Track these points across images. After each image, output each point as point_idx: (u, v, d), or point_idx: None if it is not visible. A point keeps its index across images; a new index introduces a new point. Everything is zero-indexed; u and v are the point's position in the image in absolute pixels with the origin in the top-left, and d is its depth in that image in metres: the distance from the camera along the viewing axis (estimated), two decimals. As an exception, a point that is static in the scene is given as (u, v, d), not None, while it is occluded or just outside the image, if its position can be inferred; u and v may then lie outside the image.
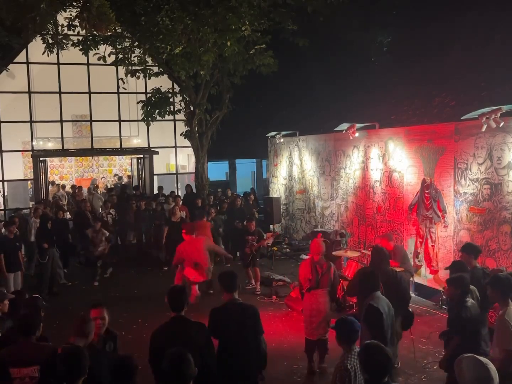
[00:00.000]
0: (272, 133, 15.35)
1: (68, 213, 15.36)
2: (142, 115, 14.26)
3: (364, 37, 17.49)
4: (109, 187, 18.27)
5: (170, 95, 14.65)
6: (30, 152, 16.80)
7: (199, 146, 15.39)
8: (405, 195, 9.99)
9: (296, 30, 13.89)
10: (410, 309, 6.61)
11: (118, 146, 17.74)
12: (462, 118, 8.53)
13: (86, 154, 18.63)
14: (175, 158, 18.50)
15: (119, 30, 12.62)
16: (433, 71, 14.48)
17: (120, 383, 3.67)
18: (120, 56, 13.74)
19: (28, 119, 16.47)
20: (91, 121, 17.23)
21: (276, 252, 13.22)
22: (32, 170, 16.41)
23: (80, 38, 13.45)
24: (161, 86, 14.51)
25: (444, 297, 8.90)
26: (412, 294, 9.59)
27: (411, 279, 8.89)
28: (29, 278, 11.04)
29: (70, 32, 12.44)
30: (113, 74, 15.57)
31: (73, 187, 17.70)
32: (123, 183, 19.25)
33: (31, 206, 15.38)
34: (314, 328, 6.75)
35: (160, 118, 14.51)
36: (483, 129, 7.87)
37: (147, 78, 14.63)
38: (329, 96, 17.94)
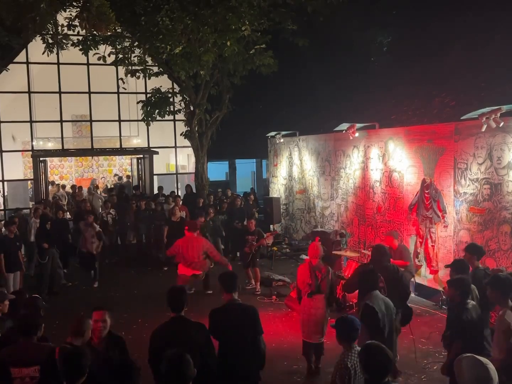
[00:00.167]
0: (272, 133, 15.35)
1: (68, 213, 15.37)
2: (142, 115, 14.25)
3: (364, 37, 17.48)
4: (109, 187, 18.27)
5: (170, 95, 14.65)
6: (30, 152, 16.80)
7: (199, 146, 15.39)
8: (405, 195, 9.99)
9: (296, 30, 13.88)
10: (409, 305, 6.63)
11: (118, 146, 17.74)
12: (462, 118, 8.53)
13: (86, 154, 18.63)
14: (175, 158, 18.50)
15: (119, 30, 12.61)
16: (433, 71, 14.47)
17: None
18: (120, 56, 13.73)
19: (28, 119, 16.47)
20: (91, 121, 17.23)
21: (276, 252, 13.21)
22: (32, 170, 16.42)
23: (80, 38, 13.44)
24: (161, 86, 14.51)
25: (444, 297, 8.90)
26: (412, 294, 9.60)
27: (412, 279, 8.90)
28: (29, 278, 11.04)
29: (70, 32, 12.44)
30: (113, 74, 15.57)
31: (73, 187, 17.70)
32: (122, 183, 19.23)
33: (31, 206, 15.38)
34: (312, 332, 6.78)
35: (160, 118, 14.50)
36: (483, 129, 7.87)
37: (147, 78, 14.62)
38: (329, 96, 17.94)
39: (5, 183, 16.34)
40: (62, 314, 8.70)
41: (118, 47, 13.73)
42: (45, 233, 10.77)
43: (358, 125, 11.16)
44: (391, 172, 10.36)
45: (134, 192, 16.29)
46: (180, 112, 15.16)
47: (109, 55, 13.34)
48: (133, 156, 19.11)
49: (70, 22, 11.82)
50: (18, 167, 17.95)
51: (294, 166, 14.61)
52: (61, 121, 16.87)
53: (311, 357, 6.86)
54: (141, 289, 10.98)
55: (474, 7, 14.36)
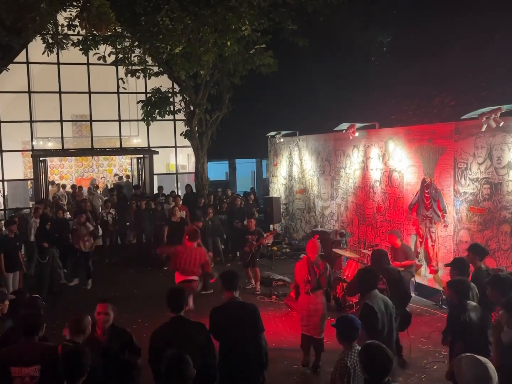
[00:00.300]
0: (272, 133, 15.36)
1: (68, 212, 15.38)
2: (142, 115, 14.26)
3: (364, 37, 17.48)
4: (109, 187, 18.28)
5: (170, 95, 14.65)
6: (30, 152, 16.80)
7: (199, 146, 15.40)
8: (405, 195, 9.99)
9: (296, 30, 13.89)
10: (408, 310, 6.64)
11: (118, 146, 17.74)
12: (462, 118, 8.53)
13: (86, 154, 18.64)
14: (175, 158, 18.50)
15: (119, 30, 12.62)
16: (433, 71, 14.47)
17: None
18: (120, 56, 13.73)
19: (28, 119, 16.47)
20: (91, 121, 17.23)
21: (276, 252, 13.22)
22: (32, 170, 16.42)
23: (80, 38, 13.44)
24: (161, 86, 14.51)
25: (444, 296, 8.91)
26: (412, 294, 9.60)
27: (412, 279, 8.91)
28: (29, 278, 11.04)
29: (70, 32, 12.43)
30: (113, 74, 15.57)
31: (73, 187, 17.71)
32: (121, 183, 19.23)
33: (31, 206, 15.38)
34: (311, 327, 6.85)
35: (160, 118, 14.51)
36: (483, 129, 7.87)
37: (147, 78, 14.63)
38: (329, 96, 17.94)
39: (5, 183, 16.35)
40: (62, 314, 8.69)
41: (118, 47, 13.73)
42: (45, 232, 10.77)
43: (358, 125, 11.16)
44: (391, 171, 10.36)
45: (134, 192, 16.29)
46: (180, 112, 15.17)
47: (109, 55, 13.34)
48: (133, 156, 19.11)
49: (70, 22, 11.82)
50: (18, 167, 17.95)
51: (294, 166, 14.61)
52: (61, 121, 16.87)
53: (308, 350, 6.96)
54: (141, 289, 10.98)
55: (474, 7, 14.35)
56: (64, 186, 18.04)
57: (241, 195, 15.38)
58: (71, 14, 11.22)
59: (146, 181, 17.64)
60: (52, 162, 19.58)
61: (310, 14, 13.80)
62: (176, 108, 14.92)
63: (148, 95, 14.98)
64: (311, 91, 19.12)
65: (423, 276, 9.56)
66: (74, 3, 10.55)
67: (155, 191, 16.72)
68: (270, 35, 13.51)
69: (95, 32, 10.61)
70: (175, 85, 15.98)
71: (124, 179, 19.95)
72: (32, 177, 16.56)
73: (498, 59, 12.49)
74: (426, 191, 9.36)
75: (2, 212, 16.21)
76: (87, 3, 8.32)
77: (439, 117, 12.42)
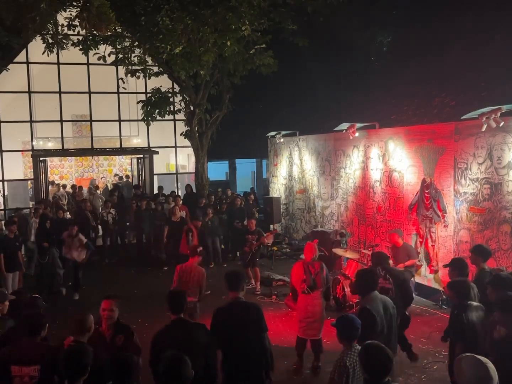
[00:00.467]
0: (272, 133, 15.36)
1: (68, 213, 15.37)
2: (142, 115, 14.25)
3: (364, 37, 17.48)
4: (109, 188, 18.28)
5: (170, 95, 14.65)
6: (30, 152, 16.80)
7: (199, 146, 15.40)
8: (405, 195, 9.99)
9: (296, 30, 13.89)
10: (407, 313, 6.65)
11: (118, 146, 17.74)
12: (462, 118, 8.53)
13: (86, 154, 18.63)
14: (175, 158, 18.50)
15: (119, 30, 12.62)
16: (433, 71, 14.47)
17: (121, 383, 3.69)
18: (120, 56, 13.73)
19: (28, 119, 16.47)
20: (91, 121, 17.23)
21: (276, 252, 13.22)
22: (32, 170, 16.42)
23: (80, 38, 13.44)
24: (161, 86, 14.51)
25: (444, 296, 8.92)
26: (413, 297, 9.62)
27: (412, 279, 8.92)
28: (29, 278, 11.04)
29: (70, 32, 12.42)
30: (113, 74, 15.57)
31: (73, 187, 17.71)
32: (121, 183, 19.23)
33: (31, 206, 15.38)
34: (308, 329, 6.84)
35: (160, 118, 14.51)
36: (483, 129, 7.87)
37: (147, 78, 14.63)
38: (329, 96, 17.95)
39: (5, 183, 16.35)
40: (62, 314, 8.70)
41: (118, 47, 13.73)
42: (45, 232, 10.77)
43: (358, 125, 11.16)
44: (391, 171, 10.36)
45: (134, 192, 16.29)
46: (180, 112, 15.17)
47: (109, 55, 13.34)
48: (133, 156, 19.11)
49: (70, 22, 11.82)
50: (18, 167, 17.95)
51: (294, 166, 14.61)
52: (61, 121, 16.87)
53: (302, 353, 6.95)
54: (141, 289, 10.98)
55: (474, 7, 14.35)
56: (64, 186, 18.05)
57: (241, 195, 15.38)
58: (71, 14, 11.21)
59: (146, 181, 17.64)
60: (52, 162, 19.58)
61: (310, 14, 13.80)
62: (176, 108, 14.92)
63: (148, 95, 14.98)
64: (311, 91, 19.12)
65: (423, 276, 9.56)
66: (74, 3, 10.54)
67: (155, 191, 16.72)
68: (270, 35, 13.51)
69: (95, 32, 10.61)
70: (175, 85, 15.97)
71: (124, 179, 19.96)
72: (32, 177, 16.56)
73: (498, 59, 12.49)
74: (426, 191, 9.36)
75: (2, 212, 16.21)
76: (87, 3, 8.32)
77: (439, 117, 12.42)
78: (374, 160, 10.87)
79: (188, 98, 15.02)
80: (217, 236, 13.07)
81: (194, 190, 15.84)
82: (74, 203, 16.24)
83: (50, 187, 17.75)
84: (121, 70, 14.29)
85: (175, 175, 18.68)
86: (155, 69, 14.76)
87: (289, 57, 17.15)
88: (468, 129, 8.46)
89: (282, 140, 15.03)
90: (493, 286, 4.85)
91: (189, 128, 15.31)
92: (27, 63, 16.14)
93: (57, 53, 13.73)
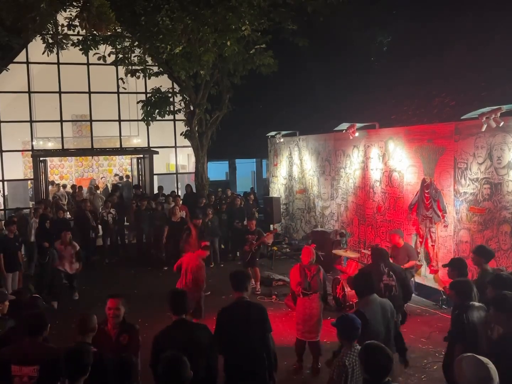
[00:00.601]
0: (272, 133, 15.36)
1: (68, 213, 15.38)
2: (142, 115, 14.25)
3: (364, 37, 17.48)
4: (109, 188, 18.27)
5: (170, 95, 14.65)
6: (30, 152, 16.80)
7: (199, 146, 15.39)
8: (405, 195, 9.99)
9: (296, 30, 13.88)
10: (404, 309, 6.67)
11: (118, 146, 17.73)
12: (462, 118, 8.53)
13: (86, 154, 18.63)
14: (175, 158, 18.49)
15: (119, 30, 12.61)
16: (433, 71, 14.47)
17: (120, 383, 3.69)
18: (120, 56, 13.73)
19: (28, 119, 16.47)
20: (91, 121, 17.22)
21: (276, 252, 13.22)
22: (32, 170, 16.41)
23: (80, 38, 13.44)
24: (161, 86, 14.51)
25: (444, 296, 8.92)
26: (412, 294, 9.63)
27: (412, 279, 8.92)
28: (29, 278, 11.04)
29: (70, 32, 12.41)
30: (113, 74, 15.57)
31: (73, 187, 17.72)
32: (121, 183, 19.23)
33: (31, 206, 15.38)
34: (306, 331, 6.85)
35: (160, 118, 14.50)
36: (483, 129, 7.87)
37: (147, 78, 14.62)
38: (329, 96, 17.95)
39: (5, 183, 16.34)
40: (62, 314, 8.71)
41: (118, 47, 13.73)
42: (45, 232, 10.76)
43: (358, 125, 11.16)
44: (391, 171, 10.36)
45: (134, 192, 16.29)
46: (180, 112, 15.17)
47: (109, 55, 13.34)
48: (133, 156, 19.11)
49: (70, 22, 11.81)
50: (18, 167, 17.95)
51: (294, 166, 14.61)
52: (61, 121, 16.86)
53: (302, 355, 6.98)
54: (141, 289, 10.97)
55: (474, 7, 14.35)
56: (64, 186, 18.04)
57: (241, 195, 15.38)
58: (71, 14, 11.20)
59: (146, 181, 17.64)
60: (52, 162, 19.58)
61: (310, 14, 13.79)
62: (176, 108, 14.91)
63: (148, 95, 14.97)
64: (311, 91, 19.12)
65: (423, 276, 9.56)
66: (74, 3, 10.53)
67: (155, 191, 16.72)
68: (270, 35, 13.51)
69: (95, 32, 10.60)
70: (175, 85, 15.97)
71: (125, 179, 19.96)
72: (32, 177, 16.55)
73: (498, 59, 12.49)
74: (426, 191, 9.36)
75: (2, 212, 16.21)
76: (87, 3, 8.31)
77: (439, 117, 12.41)
78: (374, 160, 10.87)
79: (188, 98, 15.02)
80: (216, 236, 13.07)
81: (194, 190, 15.84)
82: (74, 203, 16.24)
83: (50, 187, 17.75)
84: (121, 70, 14.28)
85: (175, 175, 18.67)
86: (155, 69, 14.76)
87: (289, 57, 17.14)
88: (468, 129, 8.46)
89: (282, 140, 15.03)
90: (493, 286, 4.85)
91: (189, 128, 15.30)
92: (27, 63, 16.13)
93: (57, 53, 13.72)
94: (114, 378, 3.67)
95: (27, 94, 16.31)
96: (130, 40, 13.79)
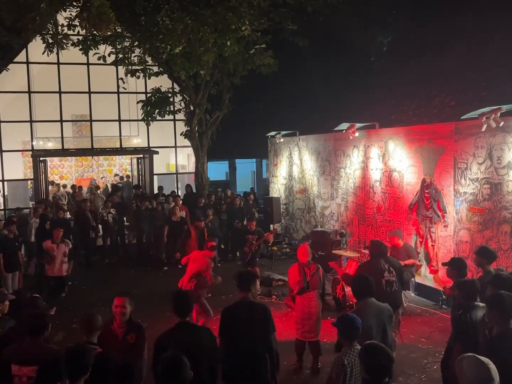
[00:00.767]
0: (272, 133, 15.36)
1: (68, 213, 15.37)
2: (142, 115, 14.25)
3: (364, 37, 17.48)
4: (109, 188, 18.26)
5: (170, 95, 14.65)
6: (30, 152, 16.81)
7: (199, 146, 15.39)
8: (405, 195, 9.99)
9: (296, 30, 13.88)
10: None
11: (118, 146, 17.73)
12: (462, 118, 8.53)
13: (86, 154, 18.63)
14: (175, 158, 18.49)
15: (119, 30, 12.61)
16: (433, 71, 14.47)
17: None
18: (120, 56, 13.73)
19: (28, 119, 16.47)
20: (91, 121, 17.22)
21: (276, 252, 13.22)
22: (32, 170, 16.41)
23: (80, 38, 13.44)
24: (161, 86, 14.51)
25: (444, 296, 8.92)
26: (412, 294, 9.63)
27: (412, 279, 8.92)
28: (29, 278, 11.03)
29: (70, 32, 12.42)
30: (113, 74, 15.57)
31: (73, 187, 17.72)
32: (121, 183, 19.23)
33: (31, 206, 15.38)
34: (306, 331, 6.85)
35: (160, 118, 14.50)
36: (483, 129, 7.87)
37: (147, 78, 14.62)
38: (329, 96, 17.95)
39: (5, 183, 16.34)
40: (62, 314, 8.69)
41: (118, 47, 13.73)
42: (45, 232, 10.76)
43: (358, 125, 11.16)
44: (391, 171, 10.36)
45: (134, 192, 16.29)
46: (180, 112, 15.16)
47: (109, 55, 13.34)
48: (133, 156, 19.11)
49: (70, 22, 11.81)
50: (18, 167, 17.94)
51: (294, 165, 14.61)
52: (61, 121, 16.86)
53: (302, 355, 6.98)
54: (141, 289, 10.96)
55: (474, 7, 14.35)
56: (64, 186, 18.04)
57: (241, 195, 15.38)
58: (71, 14, 11.21)
59: (146, 181, 17.64)
60: (52, 162, 19.57)
61: (310, 14, 13.79)
62: (176, 108, 14.91)
63: (148, 95, 14.97)
64: (311, 91, 19.12)
65: (423, 276, 9.56)
66: (74, 3, 10.53)
67: (155, 191, 16.73)
68: (270, 35, 13.50)
69: (95, 32, 10.58)
70: (175, 85, 15.97)
71: (125, 179, 19.97)
72: (32, 177, 16.55)
73: (498, 59, 12.49)
74: (426, 191, 9.36)
75: (2, 212, 16.21)
76: (87, 3, 8.31)
77: (439, 117, 12.41)
78: (374, 160, 10.87)
79: (188, 98, 15.02)
80: (216, 237, 13.04)
81: (194, 190, 15.84)
82: (74, 203, 16.24)
83: (50, 187, 17.75)
84: (121, 70, 14.28)
85: (175, 175, 18.67)
86: (155, 69, 14.75)
87: (289, 57, 17.15)
88: (468, 129, 8.46)
89: (282, 140, 15.03)
90: (493, 286, 4.84)
91: (189, 128, 15.30)
92: (27, 63, 16.13)
93: (57, 53, 13.72)
94: (115, 379, 3.66)
95: (27, 94, 16.31)
96: (130, 40, 13.79)
